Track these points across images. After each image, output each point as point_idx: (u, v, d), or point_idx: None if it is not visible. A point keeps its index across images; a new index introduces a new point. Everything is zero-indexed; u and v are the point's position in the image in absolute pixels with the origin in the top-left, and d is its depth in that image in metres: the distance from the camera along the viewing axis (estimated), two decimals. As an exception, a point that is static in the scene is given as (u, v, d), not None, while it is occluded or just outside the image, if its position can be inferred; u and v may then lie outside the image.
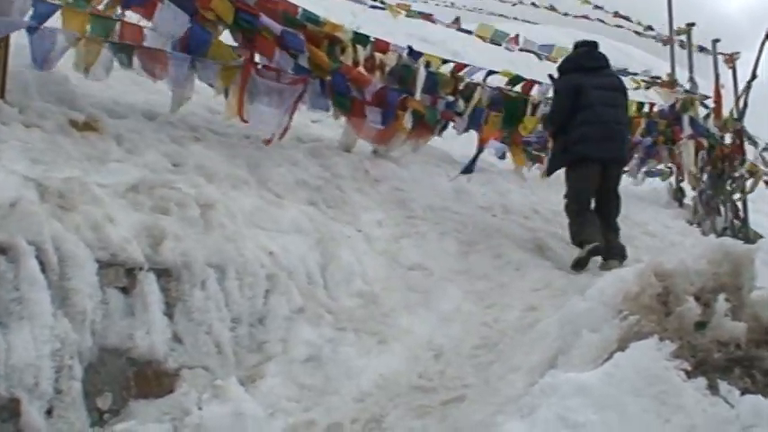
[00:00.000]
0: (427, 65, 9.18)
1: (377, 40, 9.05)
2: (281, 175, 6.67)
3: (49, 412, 3.58)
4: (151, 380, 4.16)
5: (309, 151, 7.57)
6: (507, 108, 9.59)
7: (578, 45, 7.74)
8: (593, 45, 7.63)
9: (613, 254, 6.89)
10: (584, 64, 7.40)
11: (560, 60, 8.14)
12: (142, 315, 4.21)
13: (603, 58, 7.61)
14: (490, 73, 9.97)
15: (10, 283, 3.64)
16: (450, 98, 9.25)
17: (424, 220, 7.18)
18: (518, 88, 10.16)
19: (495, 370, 4.46)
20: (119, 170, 5.28)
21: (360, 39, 8.58)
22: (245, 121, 7.11)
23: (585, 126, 7.01)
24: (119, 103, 6.71)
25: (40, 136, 5.18)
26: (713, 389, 3.08)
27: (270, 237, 5.42)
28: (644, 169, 12.38)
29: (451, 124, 9.41)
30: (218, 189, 5.58)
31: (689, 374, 3.14)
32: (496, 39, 11.45)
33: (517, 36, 11.83)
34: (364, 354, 4.86)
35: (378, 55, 8.66)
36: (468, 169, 8.13)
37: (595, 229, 6.88)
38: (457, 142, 10.29)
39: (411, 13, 11.46)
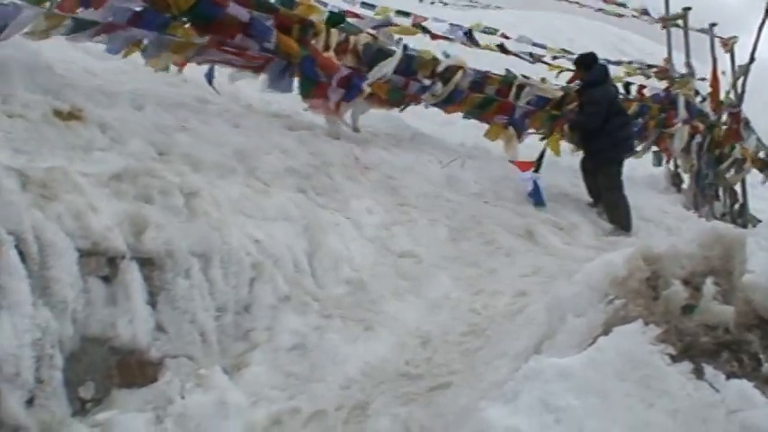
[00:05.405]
0: (405, 48, 9.08)
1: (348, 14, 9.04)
2: (270, 163, 6.60)
3: (30, 402, 3.56)
4: (134, 369, 4.14)
5: (299, 139, 7.51)
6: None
7: (583, 57, 9.41)
8: (594, 58, 9.34)
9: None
10: (607, 77, 9.21)
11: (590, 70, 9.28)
12: (125, 304, 4.17)
13: None
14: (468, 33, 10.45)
15: (-11, 273, 3.59)
16: (427, 81, 9.19)
17: (415, 208, 7.13)
18: None
19: (482, 356, 4.42)
20: (102, 159, 5.25)
21: (334, 20, 8.47)
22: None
23: (626, 128, 8.92)
24: (105, 93, 6.65)
25: (23, 125, 5.15)
26: (698, 373, 3.01)
27: (256, 225, 5.37)
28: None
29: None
30: (203, 178, 5.52)
31: (674, 358, 3.08)
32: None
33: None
34: (351, 341, 4.81)
35: (352, 38, 8.57)
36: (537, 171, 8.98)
37: (631, 221, 8.65)
38: (449, 129, 10.25)
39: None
